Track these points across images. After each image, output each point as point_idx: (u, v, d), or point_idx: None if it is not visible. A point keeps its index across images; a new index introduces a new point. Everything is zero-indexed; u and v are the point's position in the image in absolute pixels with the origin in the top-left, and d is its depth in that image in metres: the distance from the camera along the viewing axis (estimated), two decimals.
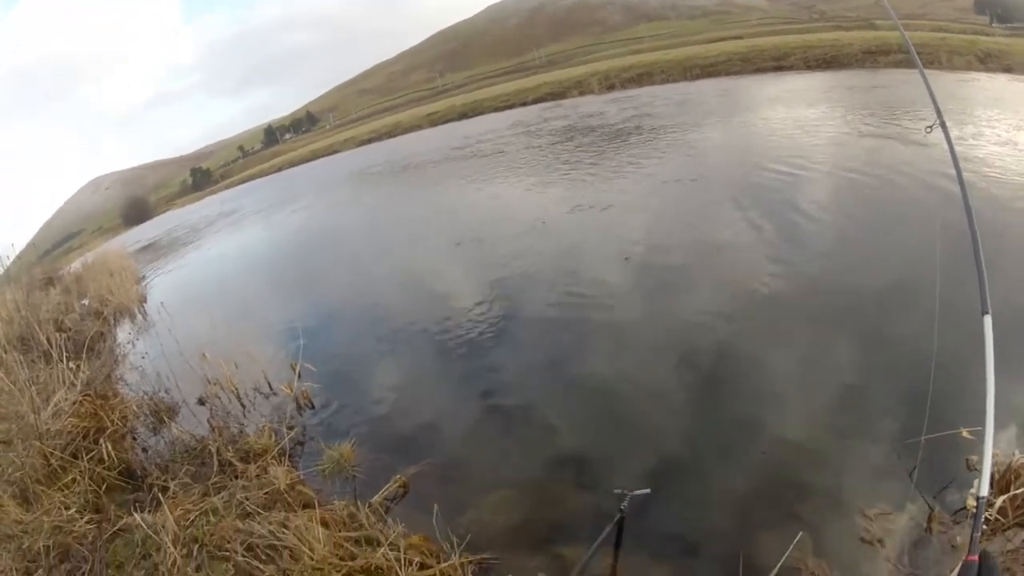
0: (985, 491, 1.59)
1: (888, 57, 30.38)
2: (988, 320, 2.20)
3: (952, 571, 1.03)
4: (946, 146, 3.13)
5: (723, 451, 3.82)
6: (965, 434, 3.13)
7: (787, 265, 6.25)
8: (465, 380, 5.40)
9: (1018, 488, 2.90)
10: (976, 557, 1.01)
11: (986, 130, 10.27)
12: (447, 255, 9.46)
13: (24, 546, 3.69)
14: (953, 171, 2.96)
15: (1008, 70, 26.83)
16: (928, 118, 3.25)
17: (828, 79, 25.97)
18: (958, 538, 2.86)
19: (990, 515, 2.83)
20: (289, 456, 4.58)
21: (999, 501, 2.85)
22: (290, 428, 4.90)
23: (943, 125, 3.20)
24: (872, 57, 31.45)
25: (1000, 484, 2.95)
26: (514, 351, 5.75)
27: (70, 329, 8.75)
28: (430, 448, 4.38)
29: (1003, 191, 7.02)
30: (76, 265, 17.35)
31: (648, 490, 3.30)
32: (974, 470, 3.13)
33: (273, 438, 4.71)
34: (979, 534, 1.18)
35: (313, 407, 5.52)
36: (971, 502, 2.83)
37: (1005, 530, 2.87)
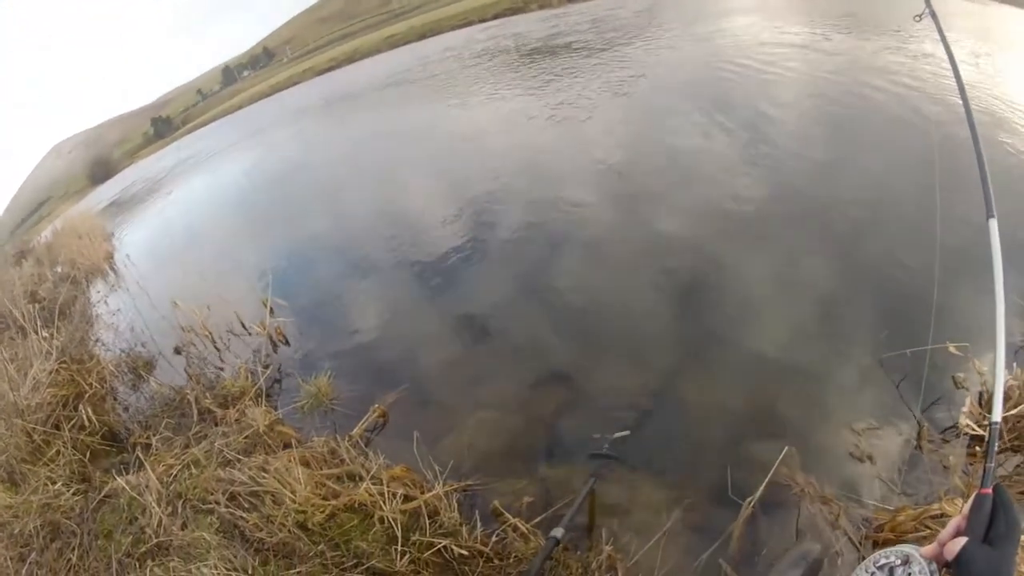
0: (998, 416, 1.35)
1: None
2: (994, 224, 1.93)
3: (964, 503, 0.84)
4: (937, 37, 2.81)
5: (707, 367, 3.62)
6: (952, 349, 2.96)
7: (770, 171, 5.81)
8: (440, 303, 5.15)
9: (1009, 410, 2.72)
10: (990, 490, 0.83)
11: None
12: (417, 176, 9.07)
13: (16, 531, 3.57)
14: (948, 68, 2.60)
15: None
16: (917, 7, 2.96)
17: None
18: (950, 458, 2.68)
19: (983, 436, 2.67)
20: (267, 396, 4.40)
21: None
22: (266, 367, 4.69)
23: (933, 14, 2.91)
24: None
25: (988, 406, 2.75)
26: (489, 271, 5.48)
27: (44, 299, 8.44)
28: (408, 374, 4.17)
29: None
30: (47, 233, 16.94)
31: (627, 432, 3.10)
32: (961, 387, 3.00)
33: (250, 379, 4.50)
34: (993, 464, 0.98)
35: (287, 343, 5.31)
36: (963, 421, 2.67)
37: (998, 453, 2.69)
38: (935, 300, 2.84)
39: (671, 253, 4.82)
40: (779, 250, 4.56)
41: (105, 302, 8.28)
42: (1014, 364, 2.88)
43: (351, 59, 51.46)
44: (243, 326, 5.72)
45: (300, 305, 5.66)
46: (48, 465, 4.04)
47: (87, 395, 4.93)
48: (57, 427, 4.45)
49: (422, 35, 45.99)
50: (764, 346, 3.61)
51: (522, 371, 3.89)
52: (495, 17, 40.73)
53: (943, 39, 2.77)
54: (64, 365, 5.37)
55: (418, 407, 3.82)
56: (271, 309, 5.34)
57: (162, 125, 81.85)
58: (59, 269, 11.10)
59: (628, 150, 7.27)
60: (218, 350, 5.56)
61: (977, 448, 2.69)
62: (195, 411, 4.27)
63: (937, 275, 2.83)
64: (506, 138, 9.34)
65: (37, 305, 7.80)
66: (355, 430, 3.58)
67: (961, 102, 2.32)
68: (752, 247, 4.61)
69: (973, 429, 2.72)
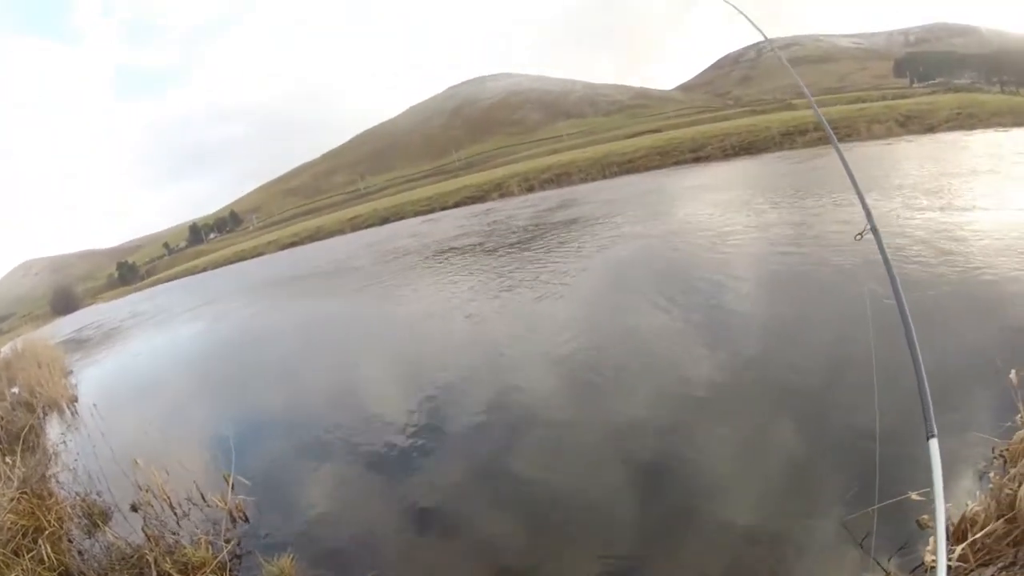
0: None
1: (806, 136, 31.90)
2: (935, 444, 2.06)
3: None
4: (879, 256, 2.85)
5: (670, 545, 3.80)
6: (914, 497, 3.18)
7: (723, 354, 6.44)
8: (399, 488, 5.35)
9: (975, 534, 2.98)
10: None
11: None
12: (375, 360, 9.61)
13: None
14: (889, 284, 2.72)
15: (930, 129, 28.38)
16: (858, 224, 3.04)
17: (748, 165, 27.28)
18: None
19: (951, 563, 2.86)
20: (228, 570, 4.51)
21: (959, 549, 2.90)
22: (227, 541, 4.83)
23: (874, 230, 2.97)
24: (790, 138, 32.76)
25: (956, 535, 3.03)
26: (448, 457, 5.71)
27: (1, 418, 8.33)
28: (371, 561, 4.30)
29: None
30: (6, 350, 17.11)
31: None
32: (927, 527, 3.22)
33: (210, 551, 4.63)
34: None
35: (247, 520, 5.41)
36: (928, 558, 2.88)
37: (968, 573, 2.93)
38: (877, 458, 3.11)
39: (627, 435, 5.17)
40: (736, 424, 4.97)
41: (64, 442, 8.30)
42: (977, 492, 3.23)
43: (314, 237, 53.89)
44: (202, 497, 5.81)
45: (260, 483, 5.78)
46: None
47: (46, 531, 4.93)
48: (16, 554, 4.49)
49: (385, 219, 48.88)
50: (728, 520, 3.83)
51: (485, 558, 4.09)
52: (456, 205, 43.30)
53: (884, 258, 2.79)
54: (25, 495, 5.43)
55: None
56: (232, 485, 5.51)
57: (127, 271, 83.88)
58: (16, 391, 11.11)
59: (580, 336, 7.98)
60: (176, 516, 5.65)
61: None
62: (155, 572, 4.32)
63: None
64: (462, 324, 10.09)
65: None
66: None
67: (902, 324, 2.40)
68: (709, 423, 5.05)
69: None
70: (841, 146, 3.66)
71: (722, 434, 4.87)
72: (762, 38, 4.72)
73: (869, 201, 3.16)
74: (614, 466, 4.78)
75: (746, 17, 4.90)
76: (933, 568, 2.71)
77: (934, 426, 2.03)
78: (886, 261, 2.70)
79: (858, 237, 2.95)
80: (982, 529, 2.99)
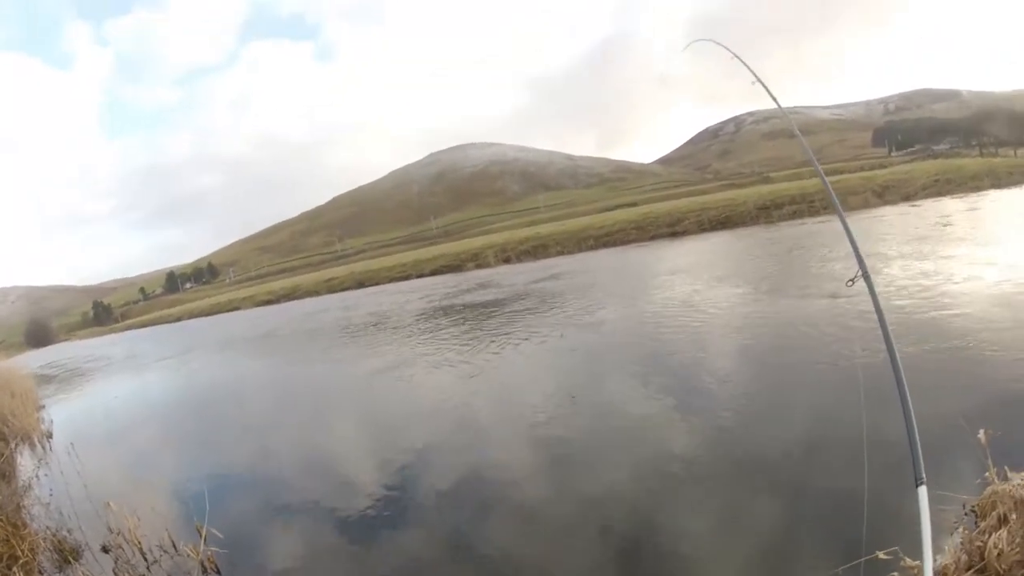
0: None
1: (782, 210, 32.74)
2: (924, 492, 2.07)
3: None
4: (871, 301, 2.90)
5: None
6: (881, 556, 3.29)
7: (701, 424, 6.75)
8: (372, 550, 5.44)
9: None
10: None
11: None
12: (349, 420, 9.82)
13: None
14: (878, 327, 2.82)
15: (907, 198, 29.08)
16: (851, 271, 3.10)
17: (727, 239, 28.09)
18: None
19: None
20: None
21: None
22: None
23: (866, 277, 3.00)
24: (766, 212, 33.41)
25: None
26: (424, 520, 5.84)
27: None
28: None
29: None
30: None
31: None
32: None
33: None
34: None
35: (219, 572, 5.47)
36: None
37: None
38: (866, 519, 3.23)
39: (606, 511, 5.27)
40: (712, 494, 5.16)
41: (37, 476, 8.32)
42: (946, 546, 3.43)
43: (291, 296, 54.56)
44: (174, 546, 5.84)
45: (233, 536, 5.79)
46: None
47: (20, 560, 5.02)
48: None
49: (360, 282, 49.43)
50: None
51: None
52: (432, 273, 43.65)
53: (876, 304, 2.81)
54: (0, 523, 5.48)
55: None
56: (204, 537, 5.56)
57: (103, 312, 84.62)
58: None
59: (558, 409, 8.20)
60: (146, 562, 5.70)
61: None
62: None
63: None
64: (435, 394, 10.28)
65: None
66: None
67: (892, 372, 2.41)
68: (682, 493, 5.26)
69: None
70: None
71: (700, 504, 5.01)
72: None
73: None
74: (592, 537, 4.84)
75: (758, 79, 4.45)
76: None
77: (923, 473, 2.06)
78: (876, 305, 2.79)
79: (850, 283, 3.00)
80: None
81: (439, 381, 11.12)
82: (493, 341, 13.57)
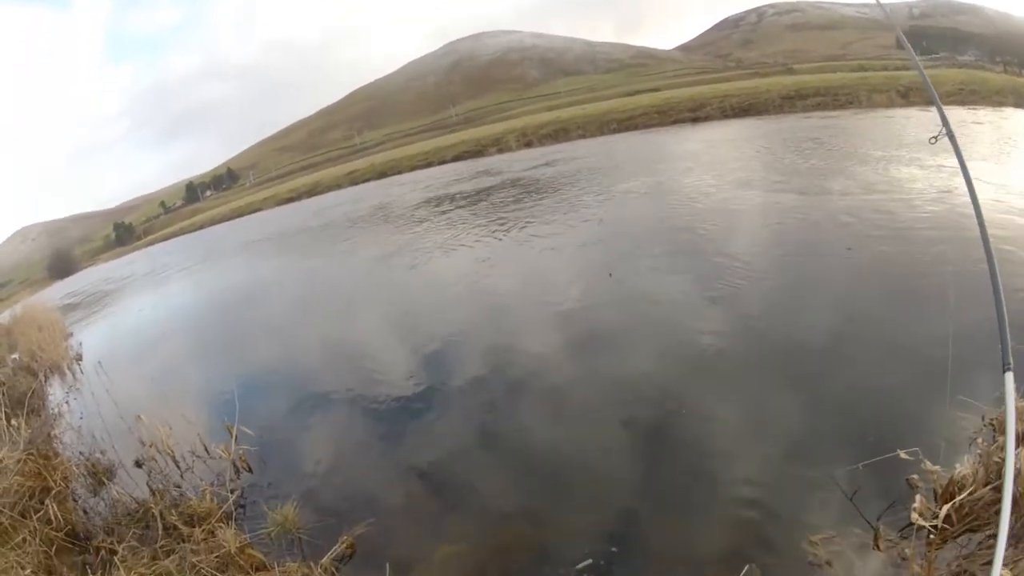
0: None
1: (807, 101, 31.76)
2: (1010, 377, 2.03)
3: None
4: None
5: (669, 497, 3.91)
6: (902, 455, 3.29)
7: (736, 304, 6.57)
8: (402, 437, 5.47)
9: (961, 496, 3.06)
10: None
11: None
12: (379, 312, 9.60)
13: None
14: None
15: (931, 102, 28.68)
16: (932, 129, 3.02)
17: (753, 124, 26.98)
18: (907, 551, 2.97)
19: (937, 524, 2.94)
20: (233, 519, 4.55)
21: (944, 510, 2.98)
22: (231, 491, 4.88)
23: (951, 135, 2.92)
24: (790, 102, 32.54)
25: (944, 496, 3.08)
26: (451, 409, 5.79)
27: (3, 383, 8.40)
28: (373, 507, 4.41)
29: None
30: (5, 316, 17.08)
31: (589, 561, 3.38)
32: (915, 487, 3.31)
33: (215, 501, 4.69)
34: None
35: (251, 470, 5.49)
36: (915, 517, 2.95)
37: (956, 537, 3.05)
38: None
39: (635, 394, 5.24)
40: (737, 377, 5.14)
41: (67, 402, 8.34)
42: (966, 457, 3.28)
43: (312, 192, 53.08)
44: (206, 449, 5.85)
45: (263, 433, 5.79)
46: (16, 550, 4.10)
47: (53, 491, 4.95)
48: (24, 515, 4.51)
49: (382, 173, 48.14)
50: (723, 474, 3.96)
51: (485, 509, 4.21)
52: (455, 159, 42.67)
53: (961, 162, 2.76)
54: (31, 456, 5.40)
55: (385, 540, 4.05)
56: (235, 436, 5.52)
57: (124, 232, 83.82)
58: (16, 357, 11.06)
59: (591, 292, 8.01)
60: (180, 469, 5.71)
61: (931, 536, 3.00)
62: (160, 525, 4.36)
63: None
64: (464, 279, 10.10)
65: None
66: (324, 559, 3.80)
67: (980, 237, 2.38)
68: (715, 380, 5.18)
69: (924, 523, 2.99)
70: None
71: (724, 387, 4.96)
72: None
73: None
74: (617, 423, 4.80)
75: None
76: (920, 528, 2.82)
77: (1010, 359, 2.04)
78: (962, 163, 2.68)
79: (932, 140, 2.94)
80: (970, 494, 3.07)
81: (481, 254, 11.14)
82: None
